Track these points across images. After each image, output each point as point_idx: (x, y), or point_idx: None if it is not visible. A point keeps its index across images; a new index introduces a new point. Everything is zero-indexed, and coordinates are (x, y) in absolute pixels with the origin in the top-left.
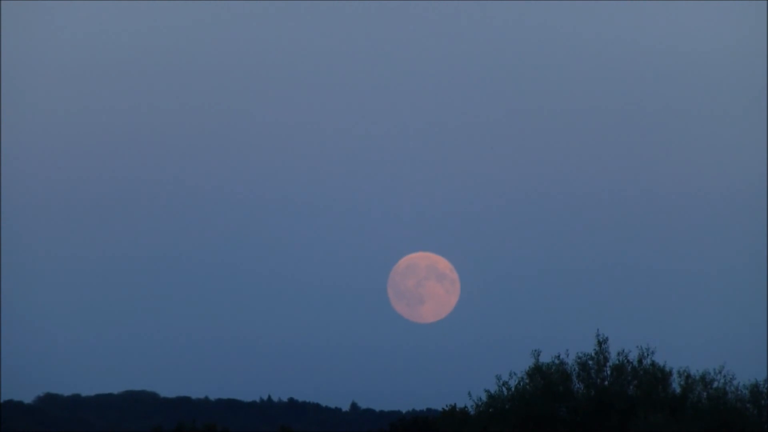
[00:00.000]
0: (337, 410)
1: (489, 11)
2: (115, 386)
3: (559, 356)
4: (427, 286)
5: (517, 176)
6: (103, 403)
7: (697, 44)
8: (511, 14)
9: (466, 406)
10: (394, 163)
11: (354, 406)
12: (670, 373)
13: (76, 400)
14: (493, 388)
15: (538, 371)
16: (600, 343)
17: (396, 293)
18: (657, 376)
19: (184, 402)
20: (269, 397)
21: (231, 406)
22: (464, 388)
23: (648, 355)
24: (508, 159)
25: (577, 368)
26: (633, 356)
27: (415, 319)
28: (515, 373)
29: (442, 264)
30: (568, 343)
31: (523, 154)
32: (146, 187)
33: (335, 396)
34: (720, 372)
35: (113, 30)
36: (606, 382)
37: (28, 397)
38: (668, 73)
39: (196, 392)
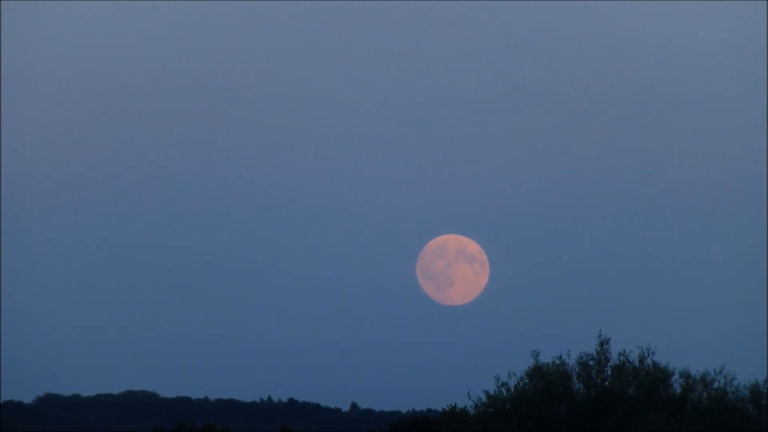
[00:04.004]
0: (337, 410)
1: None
2: (115, 386)
3: (560, 356)
4: (456, 268)
5: (529, 166)
6: (103, 403)
7: (698, 43)
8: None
9: (466, 407)
10: (422, 147)
11: (354, 406)
12: (671, 373)
13: (76, 400)
14: (493, 388)
15: (537, 371)
16: (602, 344)
17: (425, 275)
18: (657, 376)
19: (184, 402)
20: (269, 397)
21: (231, 406)
22: (464, 387)
23: (649, 355)
24: (525, 145)
25: (577, 368)
26: (634, 356)
27: (444, 302)
28: (515, 374)
29: (472, 246)
30: (568, 342)
31: (528, 145)
32: (147, 187)
33: (335, 396)
34: (720, 372)
35: (113, 29)
36: (606, 383)
37: (28, 397)
38: (669, 71)
39: (196, 392)
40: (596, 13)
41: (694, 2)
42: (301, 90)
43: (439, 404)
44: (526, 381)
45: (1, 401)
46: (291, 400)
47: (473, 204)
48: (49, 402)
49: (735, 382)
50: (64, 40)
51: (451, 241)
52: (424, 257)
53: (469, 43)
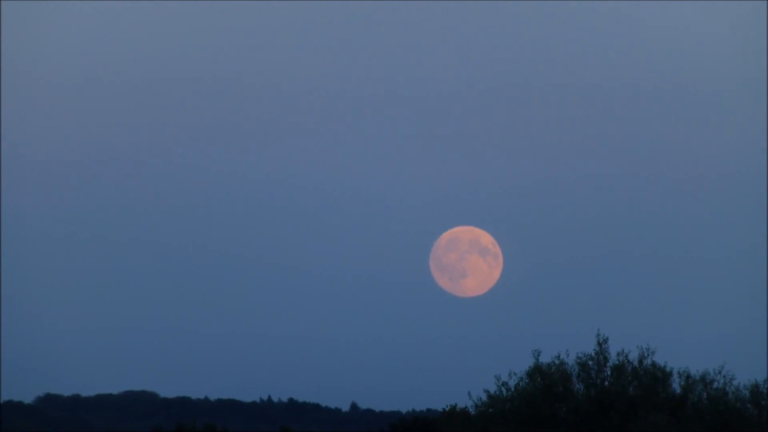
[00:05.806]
0: (337, 410)
1: None
2: (115, 386)
3: (559, 356)
4: (469, 260)
5: (535, 161)
6: (103, 403)
7: (698, 42)
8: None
9: (466, 406)
10: (436, 139)
11: (354, 406)
12: (670, 373)
13: (76, 400)
14: (494, 388)
15: (538, 371)
16: (600, 344)
17: (438, 267)
18: (657, 376)
19: (184, 402)
20: (269, 397)
21: (231, 406)
22: (465, 387)
23: (648, 355)
24: (535, 140)
25: (577, 368)
26: (633, 356)
27: (456, 293)
28: (515, 373)
29: (485, 238)
30: (571, 340)
31: (538, 140)
32: (147, 186)
33: (335, 396)
34: (720, 372)
35: (114, 29)
36: (606, 383)
37: (28, 397)
38: (668, 71)
39: (196, 392)
40: (599, 12)
41: (694, 2)
42: (308, 85)
43: (439, 404)
44: (527, 381)
45: (1, 401)
46: (291, 400)
47: (487, 196)
48: (49, 402)
49: (735, 382)
50: (65, 39)
51: (464, 233)
52: (437, 249)
53: (481, 36)
